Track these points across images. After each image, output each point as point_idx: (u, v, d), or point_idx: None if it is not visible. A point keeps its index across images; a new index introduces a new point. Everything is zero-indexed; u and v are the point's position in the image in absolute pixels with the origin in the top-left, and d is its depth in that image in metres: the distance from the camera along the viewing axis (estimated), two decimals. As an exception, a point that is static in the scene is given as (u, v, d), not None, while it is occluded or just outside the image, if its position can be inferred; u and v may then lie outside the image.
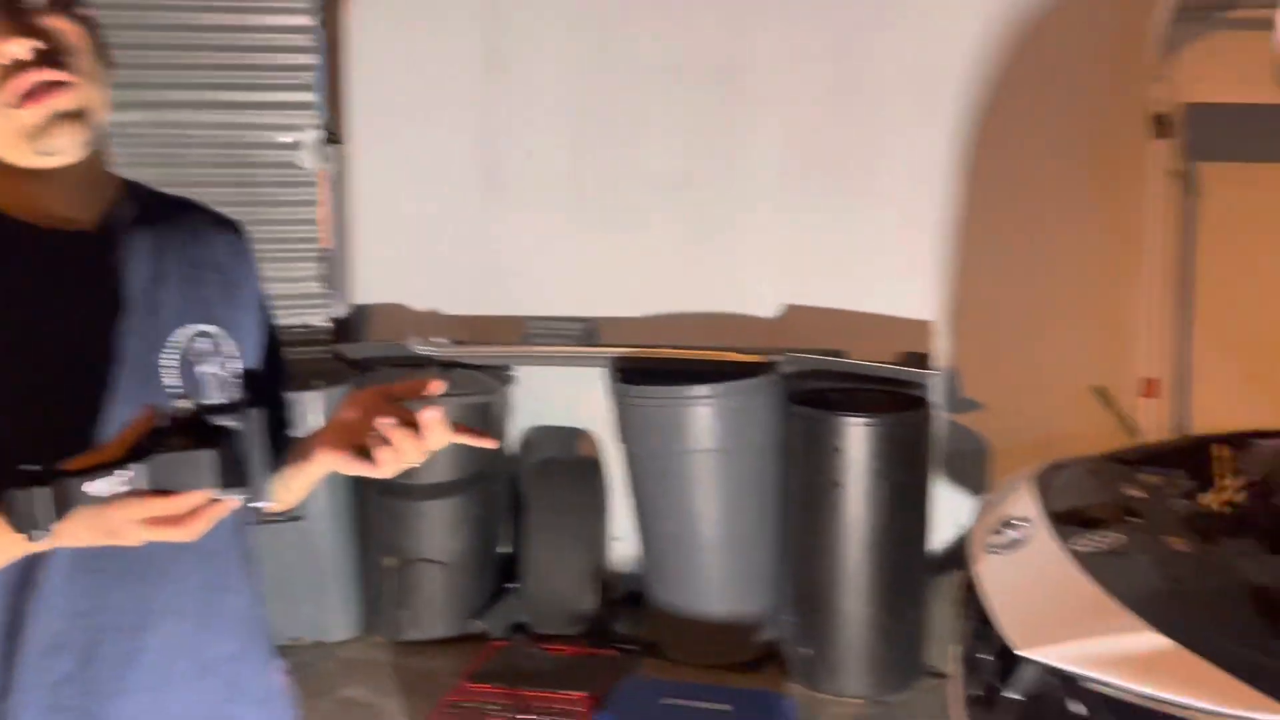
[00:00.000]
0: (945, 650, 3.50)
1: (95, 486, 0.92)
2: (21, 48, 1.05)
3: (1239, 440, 2.31)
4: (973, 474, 3.83)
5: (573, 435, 4.25)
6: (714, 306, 4.06)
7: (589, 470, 3.97)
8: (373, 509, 3.77)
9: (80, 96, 1.08)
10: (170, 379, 1.13)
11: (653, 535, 3.73)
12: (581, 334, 4.04)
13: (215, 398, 1.16)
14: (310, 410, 3.58)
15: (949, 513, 3.73)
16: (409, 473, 3.71)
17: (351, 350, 4.04)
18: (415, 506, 3.72)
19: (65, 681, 1.07)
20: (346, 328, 4.22)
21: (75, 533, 0.94)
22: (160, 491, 0.93)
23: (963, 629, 2.14)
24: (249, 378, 1.20)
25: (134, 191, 1.20)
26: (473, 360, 3.93)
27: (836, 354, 3.72)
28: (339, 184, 4.15)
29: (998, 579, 1.90)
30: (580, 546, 3.81)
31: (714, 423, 3.50)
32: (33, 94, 1.05)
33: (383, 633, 3.79)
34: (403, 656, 3.68)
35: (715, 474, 3.55)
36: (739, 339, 3.92)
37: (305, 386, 3.63)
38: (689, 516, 3.59)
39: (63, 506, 0.91)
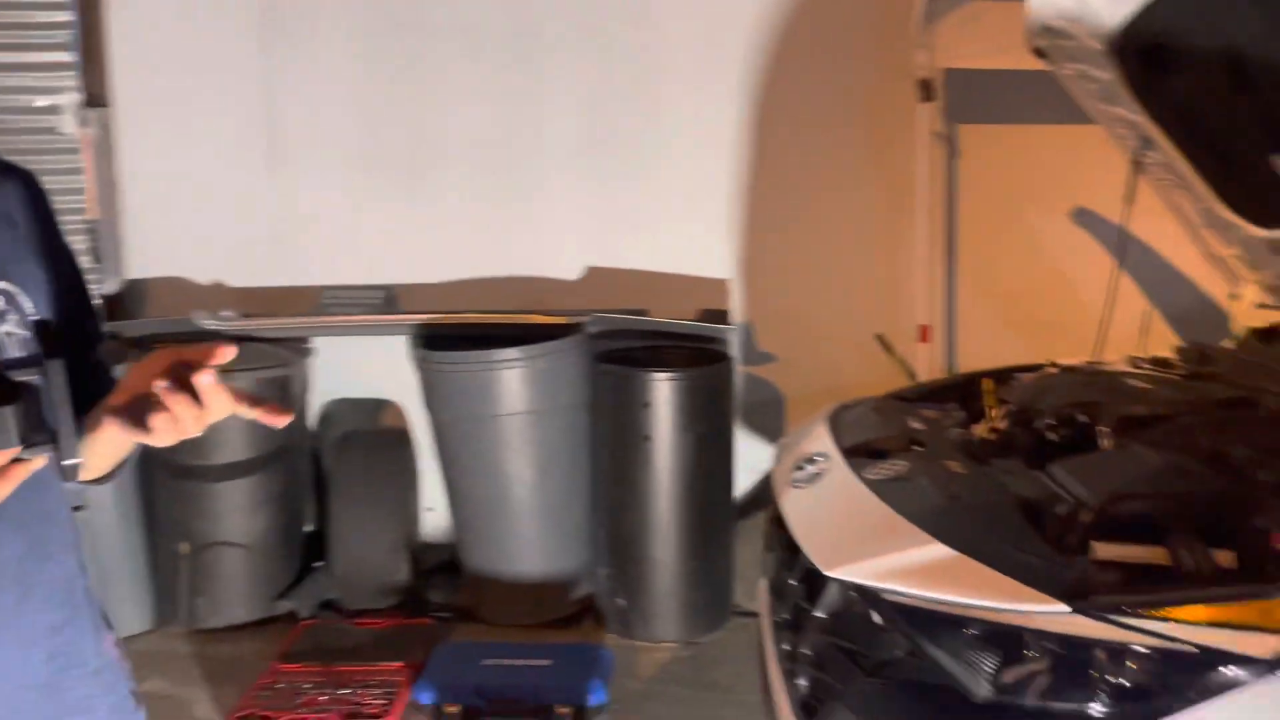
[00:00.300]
0: (752, 589, 3.71)
1: None
2: None
3: (1001, 375, 2.55)
4: (770, 423, 4.04)
5: (376, 406, 4.17)
6: (516, 270, 4.07)
7: (395, 441, 3.91)
8: (162, 493, 3.57)
9: None
10: None
11: (465, 501, 3.72)
12: (380, 302, 3.95)
13: (12, 355, 1.09)
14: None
15: (749, 461, 3.92)
16: (202, 452, 3.56)
17: (129, 328, 3.77)
18: (209, 488, 3.55)
19: None
20: (120, 304, 3.94)
21: None
22: None
23: (771, 560, 2.27)
24: (54, 332, 1.13)
25: None
26: (265, 333, 3.77)
27: (639, 313, 3.82)
28: (104, 150, 3.86)
29: (801, 510, 2.04)
30: (389, 519, 3.75)
31: (522, 385, 3.52)
32: None
33: (180, 622, 3.60)
34: (204, 645, 3.52)
35: (525, 436, 3.57)
36: (543, 302, 3.95)
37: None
38: (501, 480, 3.60)
39: None
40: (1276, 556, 1.45)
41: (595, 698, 3.04)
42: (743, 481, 3.89)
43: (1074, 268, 3.77)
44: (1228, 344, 2.66)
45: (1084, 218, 3.75)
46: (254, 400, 1.08)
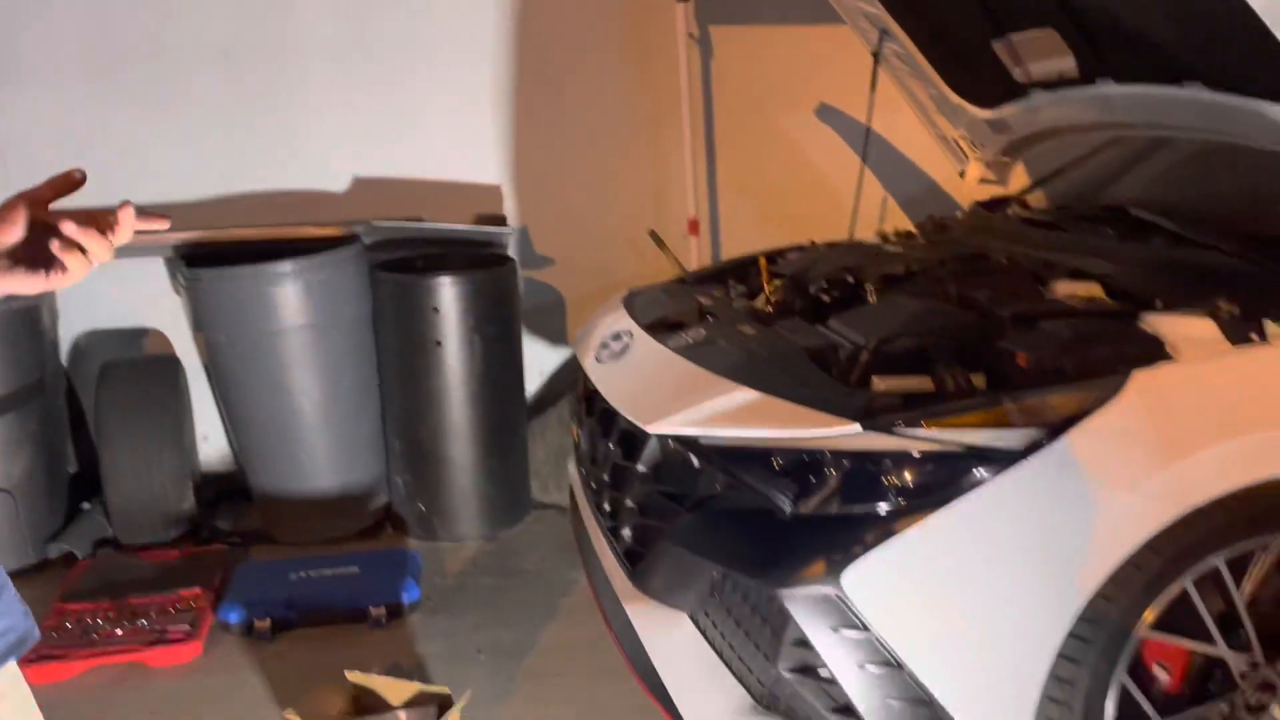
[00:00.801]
0: (547, 484, 3.87)
1: None
2: None
3: (772, 255, 2.80)
4: (552, 325, 4.16)
5: (134, 335, 3.94)
6: (278, 184, 3.92)
7: (161, 369, 3.70)
8: (-101, 443, 3.24)
9: None
10: None
11: (249, 423, 3.62)
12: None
13: None
14: None
15: (534, 363, 4.05)
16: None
17: None
18: (-43, 432, 3.26)
19: None
20: None
21: None
22: None
23: (584, 434, 2.41)
24: None
25: None
26: None
27: (414, 221, 3.80)
28: None
29: (614, 381, 2.18)
30: (164, 449, 3.57)
31: (301, 298, 3.45)
32: None
33: (-64, 580, 3.31)
34: (-31, 600, 3.26)
35: (308, 351, 3.51)
36: (311, 215, 3.84)
37: None
38: (286, 397, 3.53)
39: None
40: (1022, 371, 1.75)
41: (408, 595, 3.12)
42: (531, 383, 4.01)
43: (822, 162, 4.09)
44: (959, 216, 3.04)
45: (828, 114, 4.07)
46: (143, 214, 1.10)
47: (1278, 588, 1.71)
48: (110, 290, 3.79)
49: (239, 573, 3.22)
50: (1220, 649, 1.67)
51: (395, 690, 2.49)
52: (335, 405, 3.59)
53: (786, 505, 1.71)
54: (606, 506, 2.21)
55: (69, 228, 1.04)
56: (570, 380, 3.99)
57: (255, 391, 3.54)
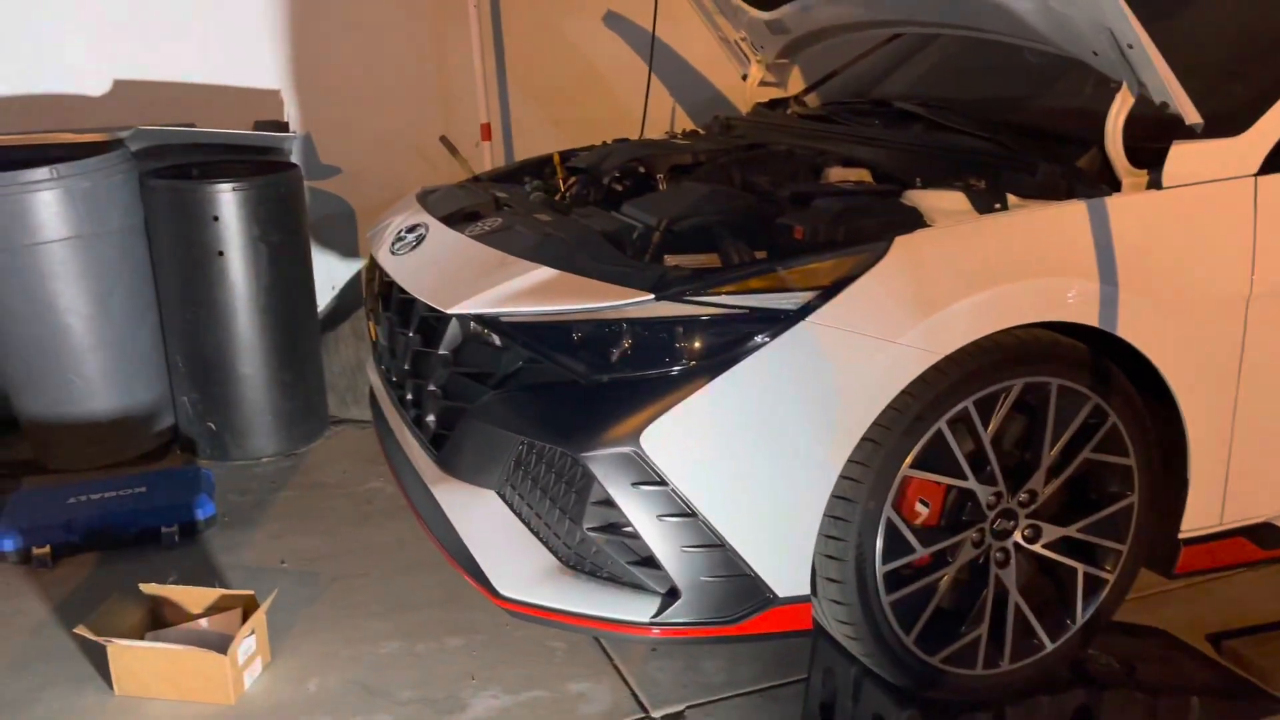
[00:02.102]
0: (343, 398, 3.81)
1: None
2: None
3: (564, 154, 2.84)
4: (342, 237, 4.05)
5: None
6: (25, 88, 3.60)
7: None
8: None
9: None
10: None
11: (10, 345, 3.35)
12: None
13: None
14: None
15: (325, 275, 3.93)
16: None
17: None
18: None
19: None
20: None
21: None
22: None
23: (381, 330, 2.40)
24: None
25: None
26: None
27: (188, 127, 3.59)
28: None
29: (411, 270, 2.18)
30: (-87, 376, 3.28)
31: (62, 208, 3.20)
32: None
33: None
34: None
35: (74, 265, 3.28)
36: (67, 121, 3.56)
37: None
38: (52, 316, 3.29)
39: None
40: (798, 243, 1.88)
41: (203, 512, 3.02)
42: (323, 298, 3.90)
43: (610, 69, 4.14)
44: (743, 116, 3.17)
45: (615, 22, 4.11)
46: None
47: (1018, 427, 1.94)
48: None
49: (11, 501, 3.02)
50: (970, 483, 1.88)
51: (195, 598, 2.44)
52: (107, 322, 3.38)
53: (587, 373, 1.79)
54: (409, 396, 2.22)
55: None
56: (365, 288, 3.92)
57: (16, 310, 3.28)
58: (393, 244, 2.36)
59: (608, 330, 1.79)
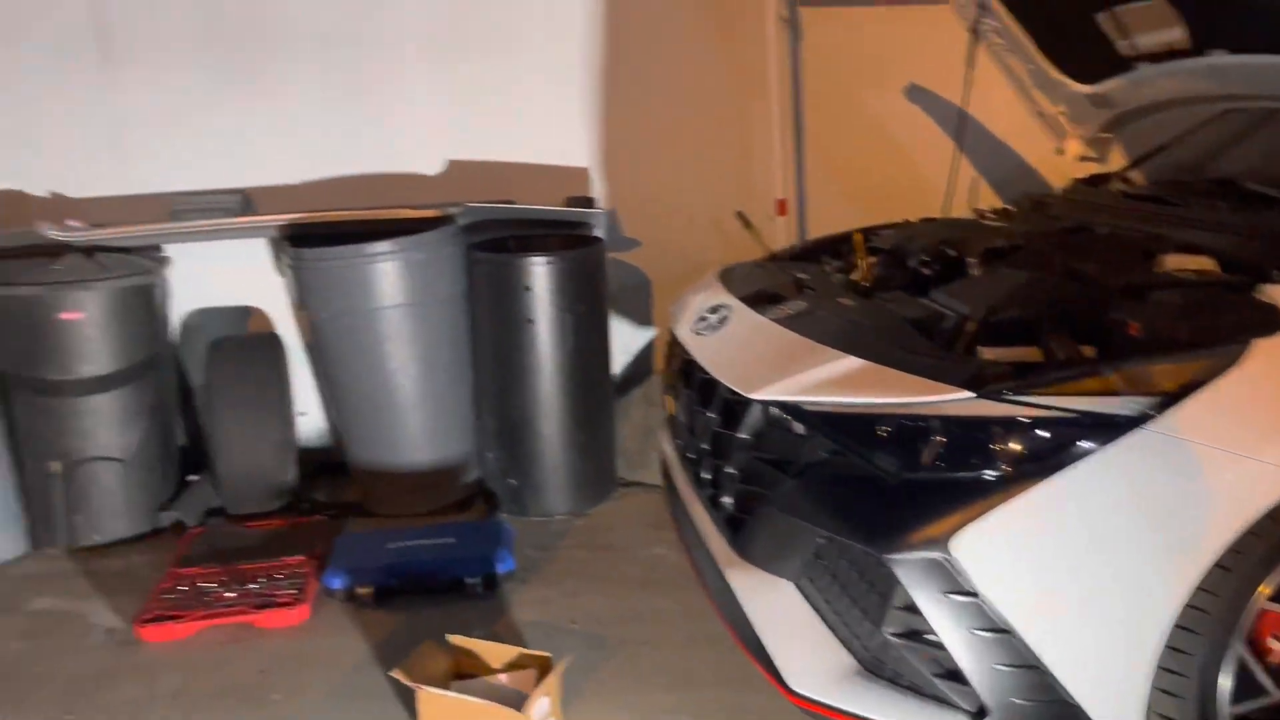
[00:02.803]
0: (633, 461, 3.92)
1: None
2: None
3: (865, 232, 2.79)
4: (638, 306, 4.21)
5: (239, 313, 4.08)
6: (376, 168, 4.04)
7: (265, 346, 3.84)
8: (24, 413, 3.42)
9: None
10: None
11: (347, 398, 3.73)
12: (236, 206, 3.84)
13: None
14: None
15: (621, 343, 4.10)
16: (65, 367, 3.48)
17: (-35, 243, 3.55)
18: (77, 403, 3.42)
19: None
20: (-51, 220, 3.68)
21: None
22: None
23: (680, 407, 2.45)
24: None
25: None
26: (118, 243, 3.61)
27: (507, 203, 3.88)
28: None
29: (713, 352, 2.21)
30: (269, 422, 3.71)
31: (399, 278, 3.54)
32: None
33: (58, 543, 3.49)
34: (89, 561, 3.43)
35: (405, 329, 3.60)
36: (408, 197, 3.94)
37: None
38: (383, 374, 3.63)
39: None
40: (1134, 341, 1.73)
41: (503, 566, 3.19)
42: (617, 363, 4.06)
43: (911, 142, 4.07)
44: (1058, 192, 3.00)
45: (918, 94, 4.04)
46: None
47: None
48: (217, 270, 3.94)
49: (340, 542, 3.33)
50: (1341, 622, 1.64)
51: (496, 654, 2.56)
52: (430, 382, 3.68)
53: (895, 471, 1.73)
54: (705, 475, 2.24)
55: None
56: (659, 358, 4.04)
57: (354, 367, 3.65)
58: (695, 323, 2.41)
59: (919, 427, 1.72)
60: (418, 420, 3.71)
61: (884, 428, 1.76)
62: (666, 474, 2.72)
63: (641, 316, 4.22)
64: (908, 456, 1.73)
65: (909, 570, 1.68)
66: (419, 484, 3.75)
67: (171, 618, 2.97)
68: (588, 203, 3.96)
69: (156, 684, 2.73)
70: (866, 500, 1.76)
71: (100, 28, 3.73)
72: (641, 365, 4.19)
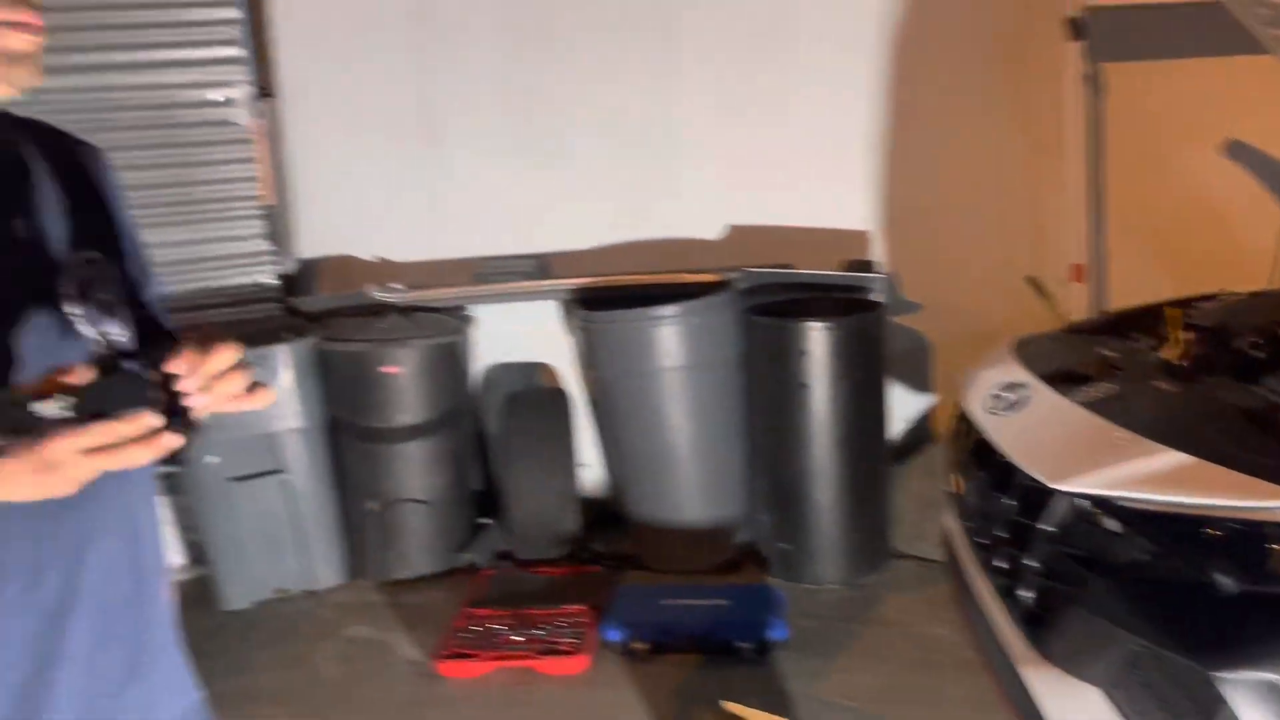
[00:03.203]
0: (909, 533, 3.81)
1: (43, 407, 0.90)
2: None
3: (1182, 303, 2.59)
4: (917, 372, 4.11)
5: (532, 369, 4.35)
6: (660, 233, 4.20)
7: (557, 400, 4.08)
8: (351, 456, 3.81)
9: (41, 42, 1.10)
10: (69, 307, 1.11)
11: (625, 454, 3.88)
12: (534, 270, 4.12)
13: (111, 323, 1.13)
14: (281, 364, 3.60)
15: (898, 409, 4.01)
16: (385, 416, 3.78)
17: (307, 304, 4.03)
18: (394, 449, 3.77)
19: (13, 607, 1.08)
20: (295, 282, 4.19)
21: (15, 472, 0.93)
22: (96, 417, 0.92)
23: (970, 489, 2.36)
24: (132, 298, 1.20)
25: (6, 120, 1.17)
26: (431, 304, 3.97)
27: (785, 268, 3.92)
28: (275, 139, 4.09)
29: (1013, 435, 2.13)
30: (557, 473, 3.93)
31: (680, 340, 3.66)
32: (23, 26, 1.07)
33: (370, 575, 3.85)
34: (395, 595, 3.76)
35: (683, 389, 3.71)
36: (689, 261, 4.07)
37: (272, 340, 3.63)
38: (661, 432, 3.75)
39: (9, 420, 0.89)
40: None
41: (776, 633, 3.19)
42: (895, 429, 3.97)
43: (1229, 204, 3.73)
44: None
45: (1239, 151, 3.71)
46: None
47: None
48: (514, 328, 4.24)
49: (618, 594, 3.46)
50: None
51: (772, 725, 2.57)
52: (706, 442, 3.77)
53: (1230, 582, 1.58)
54: (999, 564, 2.14)
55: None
56: (940, 426, 3.92)
57: (635, 425, 3.80)
58: (989, 400, 2.32)
59: (1259, 534, 1.57)
60: (693, 479, 3.80)
61: (1215, 532, 1.62)
62: (950, 552, 2.62)
63: (921, 382, 4.12)
64: (1244, 566, 1.58)
65: (1242, 692, 1.53)
66: (692, 541, 3.83)
67: (466, 656, 3.19)
68: (867, 267, 3.93)
69: (457, 718, 2.93)
70: (1192, 609, 1.62)
71: (425, 113, 4.15)
72: (921, 433, 4.07)
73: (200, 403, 0.99)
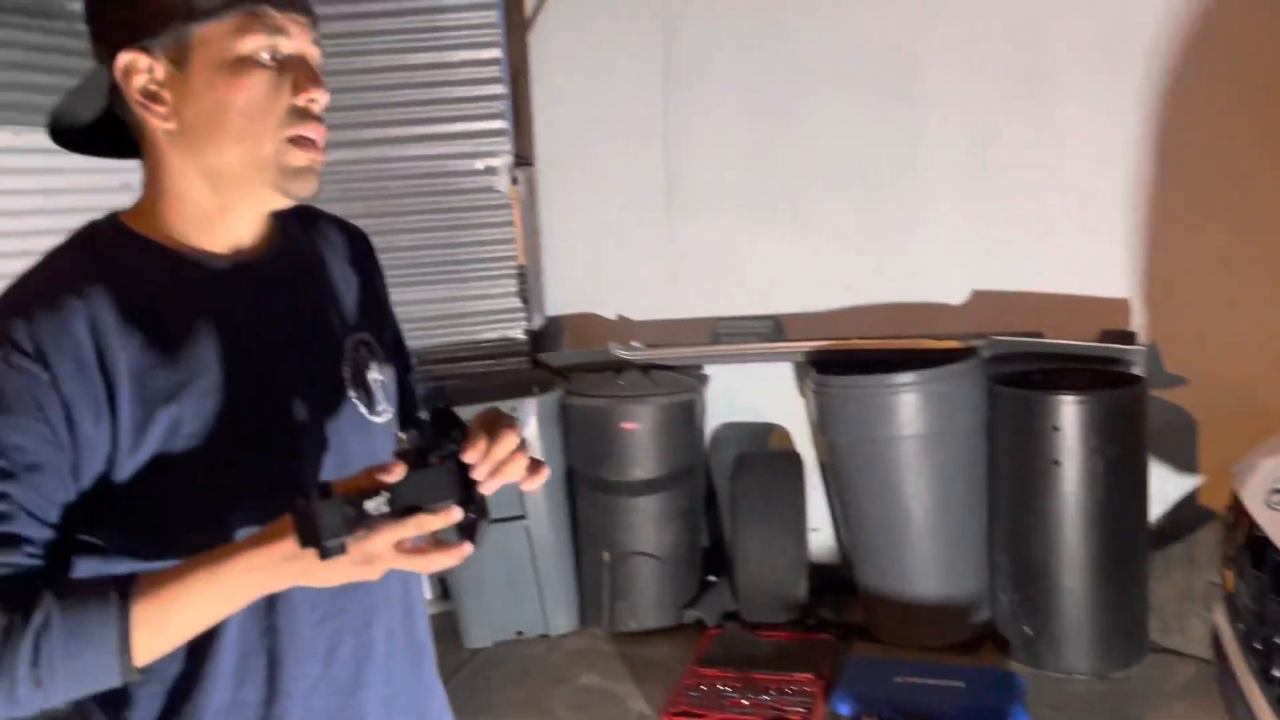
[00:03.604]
0: (1169, 625, 3.52)
1: (372, 504, 0.95)
2: (322, 100, 1.10)
3: None
4: (1180, 451, 3.81)
5: (763, 430, 4.37)
6: (901, 296, 4.14)
7: (789, 462, 4.08)
8: (586, 506, 3.96)
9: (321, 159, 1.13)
10: (350, 390, 1.19)
11: (857, 521, 3.82)
12: (769, 331, 4.16)
13: (383, 403, 1.22)
14: (528, 414, 3.81)
15: (1157, 488, 3.72)
16: (622, 470, 3.90)
17: (554, 359, 4.24)
18: (627, 502, 3.89)
19: (315, 685, 1.14)
20: (542, 338, 4.43)
21: (342, 565, 0.97)
22: (408, 511, 0.97)
23: (1244, 587, 2.17)
24: (448, 410, 1.25)
25: (280, 211, 1.20)
26: (669, 362, 4.09)
27: (1034, 336, 3.76)
28: (529, 204, 4.38)
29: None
30: (787, 536, 3.92)
31: (920, 408, 3.57)
32: (306, 142, 1.10)
33: (601, 624, 3.97)
34: (624, 646, 3.85)
35: (921, 459, 3.62)
36: (930, 326, 3.99)
37: (522, 393, 3.85)
38: (896, 501, 3.67)
39: (346, 519, 0.94)
40: None
41: (1017, 722, 3.02)
42: (1153, 512, 3.69)
43: None
44: None
45: None
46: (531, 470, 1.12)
47: None
48: (747, 388, 4.29)
49: (848, 666, 3.39)
50: None
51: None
52: (944, 513, 3.65)
53: None
54: (1276, 673, 1.96)
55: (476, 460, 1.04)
56: (1203, 509, 3.62)
57: (869, 492, 3.73)
58: (1269, 494, 2.14)
59: None
60: (928, 551, 3.68)
61: None
62: (1219, 653, 2.41)
63: (1184, 462, 3.81)
64: None
65: None
66: (926, 616, 3.70)
67: (694, 715, 3.22)
68: (1126, 337, 3.71)
69: (680, 777, 2.97)
70: None
71: (668, 178, 4.31)
72: (1183, 518, 3.76)
73: (490, 487, 1.05)
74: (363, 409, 1.19)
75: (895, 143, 4.09)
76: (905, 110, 4.06)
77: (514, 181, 4.31)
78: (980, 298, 4.05)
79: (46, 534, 1.00)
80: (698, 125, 4.27)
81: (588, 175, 4.38)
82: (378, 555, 0.97)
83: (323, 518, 0.92)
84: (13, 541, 0.98)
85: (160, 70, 1.06)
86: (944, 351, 3.70)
